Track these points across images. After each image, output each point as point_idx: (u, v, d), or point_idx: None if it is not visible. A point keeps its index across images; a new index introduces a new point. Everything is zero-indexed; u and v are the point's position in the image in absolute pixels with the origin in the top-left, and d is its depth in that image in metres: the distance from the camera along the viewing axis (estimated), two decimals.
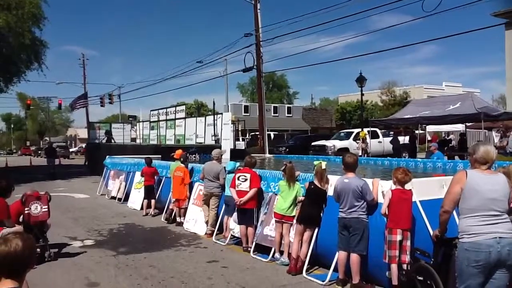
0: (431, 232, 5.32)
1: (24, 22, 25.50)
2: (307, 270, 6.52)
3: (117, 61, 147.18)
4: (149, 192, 12.13)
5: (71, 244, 8.72)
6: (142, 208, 12.33)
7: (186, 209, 10.32)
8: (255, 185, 7.87)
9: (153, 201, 12.03)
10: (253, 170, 8.12)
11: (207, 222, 9.31)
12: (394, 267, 5.44)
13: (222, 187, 9.02)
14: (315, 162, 6.79)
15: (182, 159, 10.80)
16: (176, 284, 6.27)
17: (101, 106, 43.93)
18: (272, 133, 37.13)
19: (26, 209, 7.43)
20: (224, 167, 9.20)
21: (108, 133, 29.82)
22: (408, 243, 5.43)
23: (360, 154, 23.46)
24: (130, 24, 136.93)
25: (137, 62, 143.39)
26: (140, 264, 7.29)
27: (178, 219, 10.42)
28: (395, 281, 5.42)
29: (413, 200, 5.66)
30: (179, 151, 11.41)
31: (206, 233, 9.27)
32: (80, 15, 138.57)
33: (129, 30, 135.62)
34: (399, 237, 5.42)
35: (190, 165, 10.98)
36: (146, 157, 13.18)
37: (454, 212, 4.29)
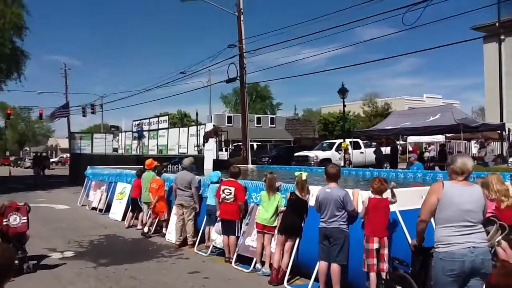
0: (410, 242, 5.41)
1: (5, 31, 25.26)
2: (288, 281, 6.54)
3: (100, 71, 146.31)
4: (136, 205, 11.75)
5: (51, 256, 8.59)
6: (123, 219, 12.23)
7: (166, 221, 10.24)
8: (240, 199, 7.86)
9: (141, 214, 11.39)
10: (238, 181, 8.12)
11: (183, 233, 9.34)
12: (372, 275, 5.53)
13: (196, 196, 9.15)
14: (296, 173, 6.84)
15: (157, 171, 10.73)
16: None
17: (83, 116, 43.66)
18: (255, 144, 37.14)
19: (4, 220, 7.30)
20: (196, 177, 9.31)
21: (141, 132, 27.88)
22: (386, 251, 5.53)
23: (342, 164, 23.65)
24: (113, 34, 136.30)
25: (120, 72, 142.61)
26: (121, 275, 7.22)
27: (144, 229, 10.35)
28: None
29: (393, 209, 5.76)
30: (148, 161, 11.30)
31: (175, 243, 9.31)
32: (63, 24, 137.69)
33: (112, 40, 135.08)
34: (375, 245, 5.53)
35: (164, 176, 10.97)
36: (138, 169, 12.49)
37: (432, 221, 4.38)
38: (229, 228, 7.90)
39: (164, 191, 10.37)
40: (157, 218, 10.44)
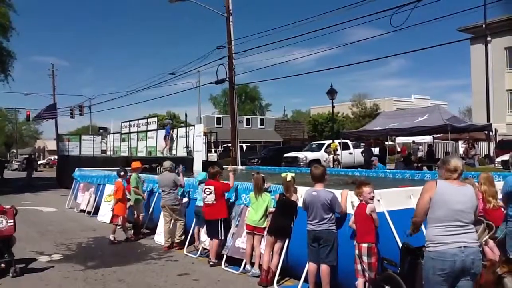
0: (399, 242, 5.44)
1: None
2: (278, 282, 6.54)
3: (88, 72, 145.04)
4: None
5: (38, 259, 8.50)
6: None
7: (119, 226, 10.10)
8: (219, 198, 7.86)
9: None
10: (219, 181, 8.10)
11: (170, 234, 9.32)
12: (359, 281, 5.55)
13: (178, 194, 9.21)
14: (282, 174, 6.84)
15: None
16: None
17: (71, 117, 43.30)
18: (244, 145, 37.17)
19: None
20: (178, 174, 9.40)
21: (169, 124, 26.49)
22: (365, 259, 5.42)
23: (331, 165, 23.72)
24: (101, 35, 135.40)
25: (109, 73, 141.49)
26: (109, 278, 7.17)
27: (111, 237, 9.99)
28: None
29: (381, 210, 5.78)
30: (135, 163, 11.24)
31: (163, 245, 9.31)
32: (51, 25, 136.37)
33: (101, 41, 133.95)
34: (356, 251, 5.54)
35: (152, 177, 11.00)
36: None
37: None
38: (212, 230, 7.89)
39: (123, 194, 10.22)
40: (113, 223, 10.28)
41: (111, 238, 9.95)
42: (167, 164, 9.69)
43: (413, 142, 28.10)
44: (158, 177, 9.94)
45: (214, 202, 7.84)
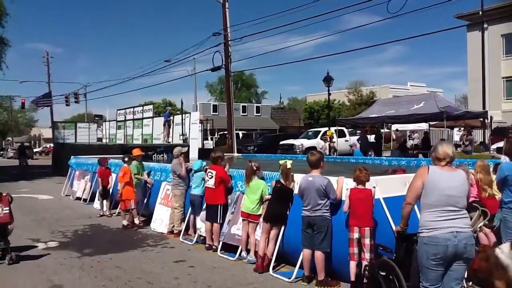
0: (394, 228, 5.46)
1: None
2: (273, 268, 6.57)
3: (83, 59, 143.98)
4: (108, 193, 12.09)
5: (34, 246, 8.52)
6: (109, 209, 12.22)
7: (131, 210, 10.17)
8: (217, 184, 7.87)
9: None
10: (220, 166, 8.10)
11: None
12: (352, 263, 5.63)
13: (183, 183, 9.15)
14: (281, 161, 6.84)
15: (125, 159, 10.69)
16: (142, 285, 6.22)
17: (66, 105, 42.98)
18: (240, 132, 37.13)
19: None
20: (180, 162, 9.34)
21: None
22: (367, 241, 5.56)
23: (327, 153, 23.75)
24: (97, 22, 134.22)
25: (104, 60, 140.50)
26: (106, 265, 7.19)
27: (124, 222, 10.19)
28: (352, 277, 5.62)
29: (377, 197, 5.80)
30: (136, 150, 11.26)
31: (167, 232, 9.33)
32: (45, 11, 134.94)
33: (96, 28, 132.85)
34: (356, 235, 5.60)
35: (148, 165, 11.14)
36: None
37: (416, 209, 4.43)
38: (212, 214, 7.92)
39: (130, 177, 10.27)
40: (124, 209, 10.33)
41: (124, 223, 10.14)
42: (175, 150, 9.74)
43: (396, 129, 28.18)
44: None
45: (214, 187, 7.87)
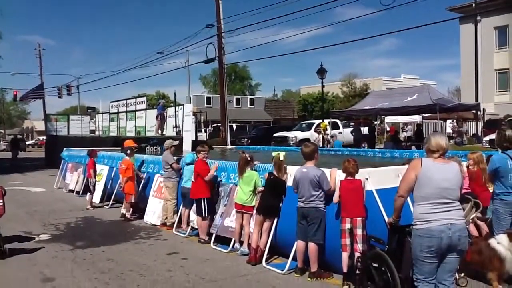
0: (386, 220, 5.47)
1: None
2: (266, 260, 6.57)
3: (76, 51, 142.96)
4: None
5: (27, 239, 8.47)
6: (101, 201, 12.20)
7: (133, 204, 10.19)
8: (195, 177, 7.88)
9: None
10: (200, 160, 8.03)
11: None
12: (344, 255, 5.62)
13: (176, 175, 9.11)
14: (274, 153, 6.83)
15: (128, 152, 10.60)
16: (135, 277, 6.21)
17: (59, 97, 42.83)
18: (234, 125, 37.08)
19: None
20: (171, 154, 9.35)
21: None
22: (359, 232, 5.56)
23: (321, 145, 23.78)
24: (90, 14, 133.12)
25: (97, 52, 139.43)
26: (98, 258, 7.17)
27: (125, 214, 10.20)
28: (344, 269, 5.61)
29: (369, 188, 5.80)
30: (128, 141, 11.21)
31: (161, 224, 9.33)
32: (37, 3, 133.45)
33: (89, 20, 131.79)
34: (347, 226, 5.59)
35: (141, 157, 10.99)
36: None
37: (409, 201, 4.43)
38: (198, 208, 7.94)
39: (133, 171, 10.27)
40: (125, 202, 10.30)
41: (127, 215, 10.14)
42: (166, 143, 9.72)
43: (380, 122, 28.28)
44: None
45: (194, 181, 7.91)
